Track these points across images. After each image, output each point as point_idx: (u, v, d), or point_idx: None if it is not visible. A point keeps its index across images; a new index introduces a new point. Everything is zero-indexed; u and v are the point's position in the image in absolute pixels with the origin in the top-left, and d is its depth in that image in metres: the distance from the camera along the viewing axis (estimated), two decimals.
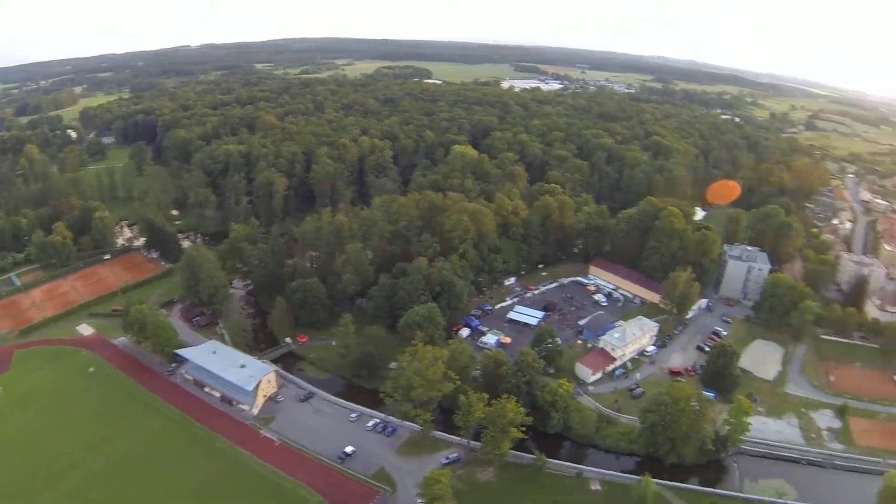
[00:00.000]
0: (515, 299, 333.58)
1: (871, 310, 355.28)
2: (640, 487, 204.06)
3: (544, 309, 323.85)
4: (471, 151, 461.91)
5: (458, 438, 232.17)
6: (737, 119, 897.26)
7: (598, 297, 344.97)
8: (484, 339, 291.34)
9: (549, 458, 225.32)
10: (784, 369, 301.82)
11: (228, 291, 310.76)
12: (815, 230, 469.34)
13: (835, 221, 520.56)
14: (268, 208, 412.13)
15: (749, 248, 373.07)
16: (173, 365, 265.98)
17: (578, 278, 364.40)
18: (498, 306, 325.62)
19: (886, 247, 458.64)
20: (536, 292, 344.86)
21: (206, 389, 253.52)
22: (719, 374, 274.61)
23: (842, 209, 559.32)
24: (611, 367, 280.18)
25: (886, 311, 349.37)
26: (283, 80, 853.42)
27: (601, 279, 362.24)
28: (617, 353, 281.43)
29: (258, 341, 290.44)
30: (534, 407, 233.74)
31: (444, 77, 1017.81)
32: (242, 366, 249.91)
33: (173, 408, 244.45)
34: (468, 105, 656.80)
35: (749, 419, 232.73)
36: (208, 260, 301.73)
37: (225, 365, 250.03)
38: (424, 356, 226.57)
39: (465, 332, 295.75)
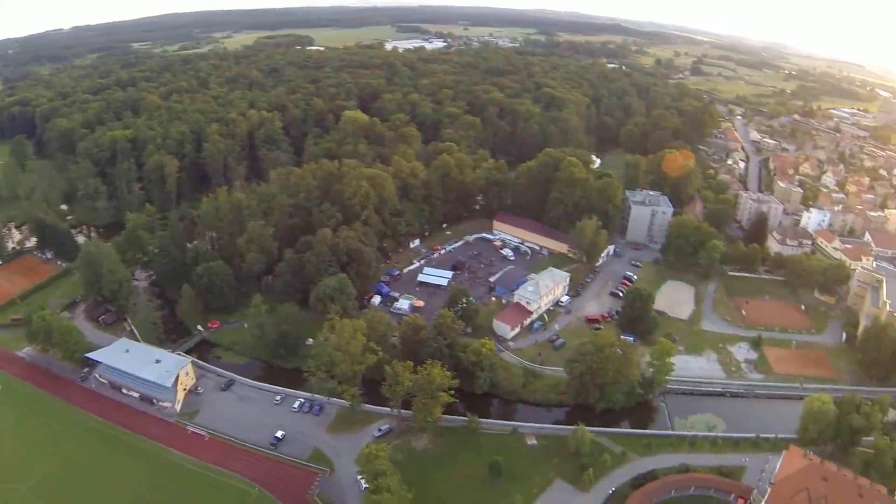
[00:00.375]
0: (423, 261, 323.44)
1: (773, 244, 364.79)
2: (576, 437, 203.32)
3: (453, 268, 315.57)
4: (361, 116, 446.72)
5: (388, 409, 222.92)
6: (623, 68, 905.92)
7: (505, 251, 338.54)
8: (397, 304, 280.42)
9: (481, 418, 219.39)
10: (697, 308, 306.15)
11: (132, 285, 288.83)
12: (711, 171, 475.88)
13: (729, 162, 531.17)
14: (161, 193, 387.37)
15: (651, 192, 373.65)
16: (85, 370, 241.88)
17: (483, 235, 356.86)
18: (406, 270, 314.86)
19: (780, 184, 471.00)
20: (443, 252, 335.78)
21: (124, 391, 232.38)
22: (636, 317, 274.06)
23: (734, 150, 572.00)
24: (528, 321, 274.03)
25: (787, 244, 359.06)
26: (163, 59, 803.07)
27: (506, 234, 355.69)
28: (532, 307, 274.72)
29: (169, 333, 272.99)
30: (458, 369, 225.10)
31: (326, 43, 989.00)
32: (157, 361, 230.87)
33: (93, 415, 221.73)
34: (354, 69, 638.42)
35: (672, 359, 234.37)
36: (107, 254, 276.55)
37: (139, 363, 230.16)
38: (343, 330, 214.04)
39: (376, 299, 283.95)
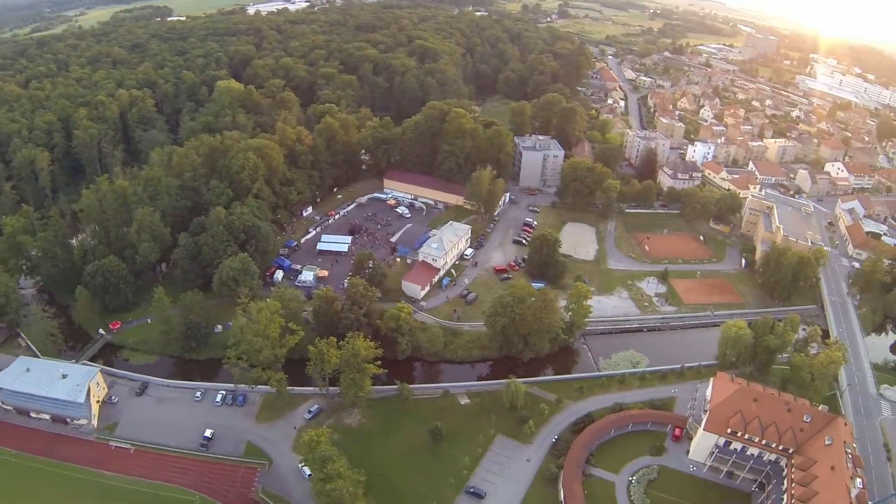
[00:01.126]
0: (318, 229, 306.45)
1: (665, 179, 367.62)
2: (509, 391, 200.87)
3: (350, 232, 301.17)
4: (235, 85, 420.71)
5: (314, 389, 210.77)
6: (490, 15, 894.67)
7: (400, 209, 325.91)
8: (301, 277, 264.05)
9: (408, 383, 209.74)
10: (601, 247, 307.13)
11: (19, 296, 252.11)
12: (593, 111, 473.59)
13: (609, 101, 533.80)
14: (35, 190, 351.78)
15: (540, 137, 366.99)
16: None
17: (375, 194, 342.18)
18: (303, 240, 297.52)
19: (663, 119, 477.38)
20: (337, 217, 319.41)
21: (33, 415, 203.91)
22: (545, 263, 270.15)
23: (612, 89, 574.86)
24: (436, 278, 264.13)
25: (678, 178, 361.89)
26: (15, 43, 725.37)
27: (398, 191, 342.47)
28: (439, 263, 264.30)
29: (69, 341, 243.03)
30: (377, 337, 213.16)
31: (186, 12, 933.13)
32: (64, 376, 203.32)
33: (2, 448, 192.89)
34: (220, 37, 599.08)
35: (588, 301, 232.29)
36: None
37: (44, 381, 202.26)
38: (260, 315, 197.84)
39: (279, 274, 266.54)
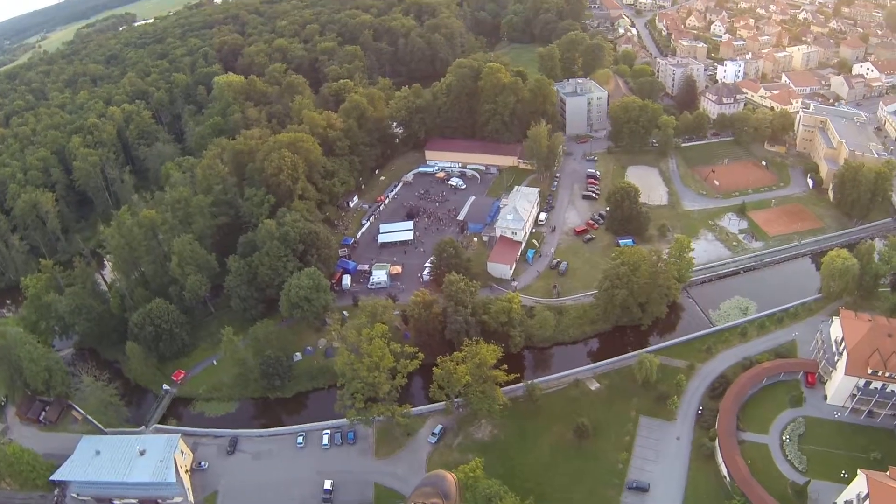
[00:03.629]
0: (371, 219, 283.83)
1: (710, 106, 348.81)
2: (642, 367, 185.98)
3: (409, 216, 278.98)
4: (235, 78, 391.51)
5: (431, 405, 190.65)
6: None
7: (453, 181, 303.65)
8: (373, 278, 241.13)
9: (520, 374, 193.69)
10: (670, 188, 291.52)
11: (64, 366, 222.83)
12: (610, 43, 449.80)
13: (620, 30, 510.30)
14: (45, 235, 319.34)
15: (579, 80, 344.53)
16: (56, 492, 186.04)
17: (420, 169, 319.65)
18: (359, 234, 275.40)
19: (682, 42, 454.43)
20: (388, 201, 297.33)
21: (116, 502, 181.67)
22: (627, 217, 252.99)
23: (618, 17, 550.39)
24: (519, 253, 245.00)
25: (724, 102, 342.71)
26: None
27: (443, 161, 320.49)
28: (519, 236, 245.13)
29: (131, 406, 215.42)
30: (484, 332, 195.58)
31: (151, 14, 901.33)
32: (142, 452, 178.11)
33: None
34: (198, 31, 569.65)
35: (691, 253, 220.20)
36: (19, 340, 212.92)
37: (121, 462, 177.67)
38: (373, 346, 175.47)
39: (346, 279, 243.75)
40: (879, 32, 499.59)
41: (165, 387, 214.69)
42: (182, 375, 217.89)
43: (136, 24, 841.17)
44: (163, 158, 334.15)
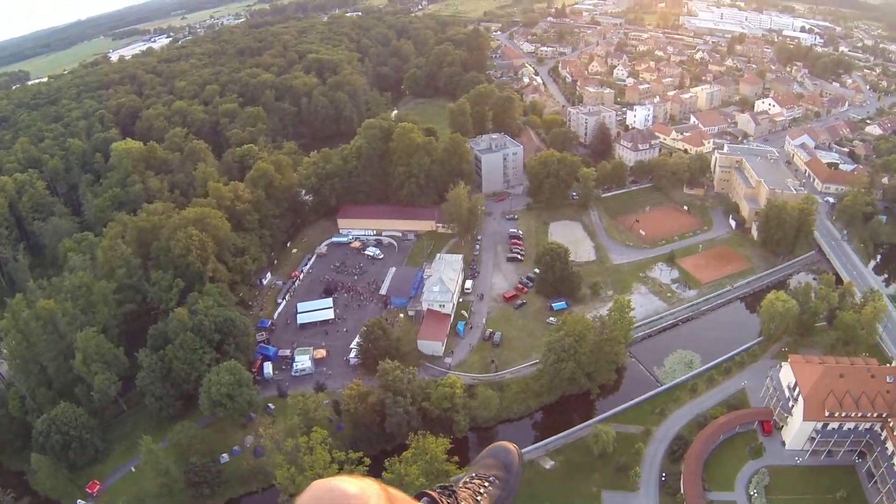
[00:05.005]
0: (287, 297, 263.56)
1: (625, 153, 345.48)
2: (599, 440, 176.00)
3: (326, 293, 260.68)
4: (134, 144, 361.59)
5: None
6: (359, 14, 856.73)
7: (369, 251, 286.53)
8: (296, 365, 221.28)
9: (465, 457, 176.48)
10: (596, 242, 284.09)
11: None
12: (517, 94, 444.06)
13: (525, 80, 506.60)
14: None
15: (493, 135, 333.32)
16: None
17: (333, 239, 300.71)
18: (276, 314, 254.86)
19: (589, 89, 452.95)
20: (302, 276, 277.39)
21: None
22: (558, 279, 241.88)
23: (521, 66, 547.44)
24: (449, 327, 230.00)
25: (639, 149, 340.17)
26: None
27: (357, 229, 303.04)
28: (447, 308, 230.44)
29: None
30: (426, 420, 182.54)
31: (46, 72, 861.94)
32: None
33: None
34: (94, 92, 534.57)
35: (631, 312, 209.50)
36: None
37: None
38: (316, 460, 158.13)
39: (267, 367, 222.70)
40: (773, 67, 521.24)
41: (80, 502, 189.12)
42: (97, 487, 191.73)
43: (29, 83, 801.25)
44: (59, 235, 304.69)
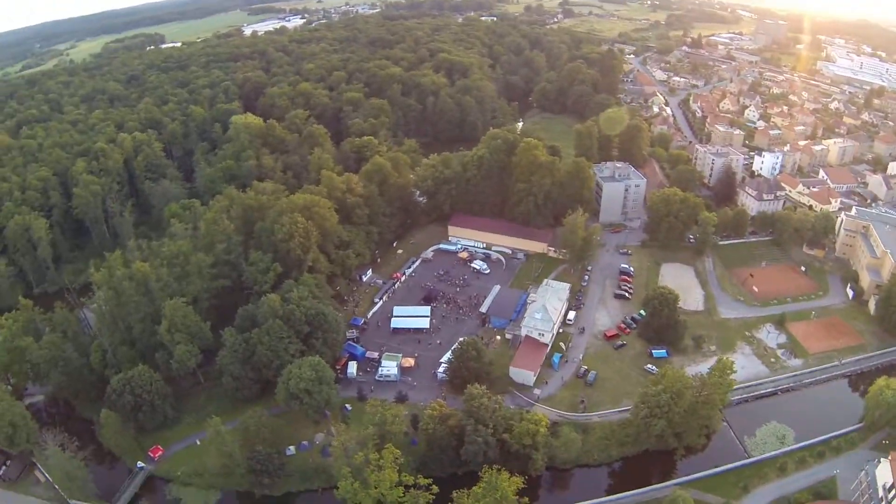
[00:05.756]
0: (384, 297, 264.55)
1: (749, 201, 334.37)
2: None
3: (426, 300, 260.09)
4: (255, 120, 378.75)
5: None
6: (494, 18, 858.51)
7: (476, 264, 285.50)
8: (382, 370, 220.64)
9: (538, 500, 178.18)
10: (706, 291, 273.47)
11: (30, 423, 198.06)
12: (645, 123, 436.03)
13: (655, 109, 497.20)
14: (33, 261, 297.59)
15: (618, 164, 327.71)
16: None
17: (441, 245, 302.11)
18: (370, 314, 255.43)
19: (719, 128, 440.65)
20: (404, 279, 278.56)
21: None
22: (664, 326, 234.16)
23: (651, 94, 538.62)
24: (544, 357, 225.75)
25: (764, 199, 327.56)
26: (5, 83, 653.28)
27: (466, 239, 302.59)
28: (547, 338, 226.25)
29: (99, 473, 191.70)
30: (503, 452, 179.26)
31: (180, 38, 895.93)
32: None
33: None
34: (223, 63, 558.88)
35: (733, 375, 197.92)
36: None
37: None
38: (382, 479, 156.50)
39: (352, 367, 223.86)
40: None
41: (140, 464, 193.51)
42: (160, 452, 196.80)
43: (162, 46, 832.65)
44: (168, 198, 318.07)
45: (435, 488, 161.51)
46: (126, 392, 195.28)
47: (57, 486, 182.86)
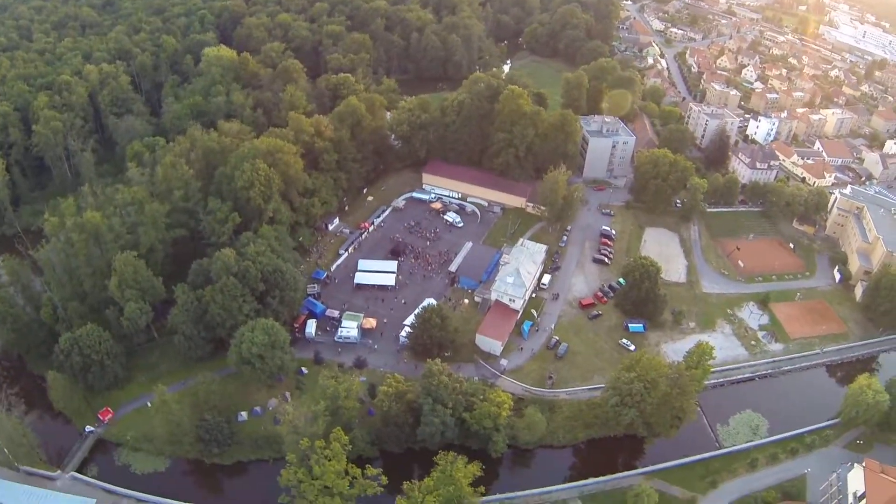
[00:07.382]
0: (350, 249, 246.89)
1: (741, 168, 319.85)
2: (639, 501, 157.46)
3: (393, 254, 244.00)
4: (227, 53, 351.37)
5: None
6: None
7: (449, 216, 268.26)
8: (341, 332, 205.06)
9: (493, 480, 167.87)
10: (689, 262, 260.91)
11: None
12: (637, 75, 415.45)
13: (650, 60, 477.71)
14: None
15: (606, 118, 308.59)
16: None
17: (414, 194, 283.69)
18: (334, 267, 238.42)
19: (715, 86, 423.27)
20: (372, 228, 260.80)
21: None
22: (643, 299, 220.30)
23: (647, 44, 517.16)
24: (514, 325, 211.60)
25: (757, 168, 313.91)
26: None
27: (441, 188, 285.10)
28: (517, 304, 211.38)
29: (46, 435, 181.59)
30: (462, 432, 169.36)
31: None
32: None
33: None
34: None
35: (710, 360, 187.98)
36: None
37: None
38: (328, 469, 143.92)
39: (310, 325, 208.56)
40: None
41: (88, 428, 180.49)
42: (110, 415, 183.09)
43: None
44: (132, 134, 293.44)
45: (384, 479, 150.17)
46: (74, 353, 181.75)
47: (5, 449, 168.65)
